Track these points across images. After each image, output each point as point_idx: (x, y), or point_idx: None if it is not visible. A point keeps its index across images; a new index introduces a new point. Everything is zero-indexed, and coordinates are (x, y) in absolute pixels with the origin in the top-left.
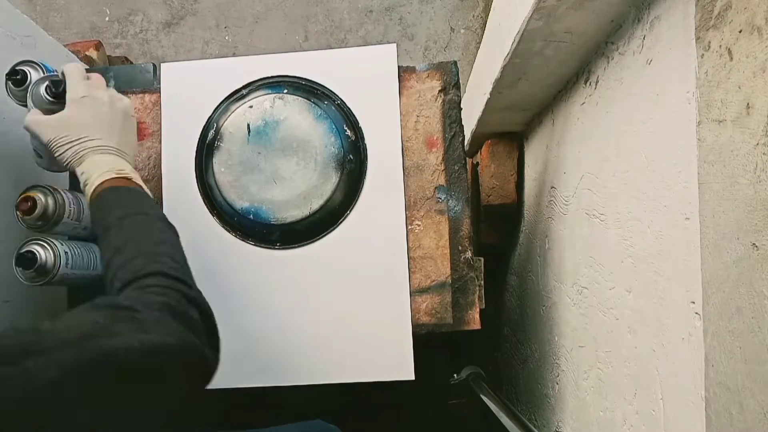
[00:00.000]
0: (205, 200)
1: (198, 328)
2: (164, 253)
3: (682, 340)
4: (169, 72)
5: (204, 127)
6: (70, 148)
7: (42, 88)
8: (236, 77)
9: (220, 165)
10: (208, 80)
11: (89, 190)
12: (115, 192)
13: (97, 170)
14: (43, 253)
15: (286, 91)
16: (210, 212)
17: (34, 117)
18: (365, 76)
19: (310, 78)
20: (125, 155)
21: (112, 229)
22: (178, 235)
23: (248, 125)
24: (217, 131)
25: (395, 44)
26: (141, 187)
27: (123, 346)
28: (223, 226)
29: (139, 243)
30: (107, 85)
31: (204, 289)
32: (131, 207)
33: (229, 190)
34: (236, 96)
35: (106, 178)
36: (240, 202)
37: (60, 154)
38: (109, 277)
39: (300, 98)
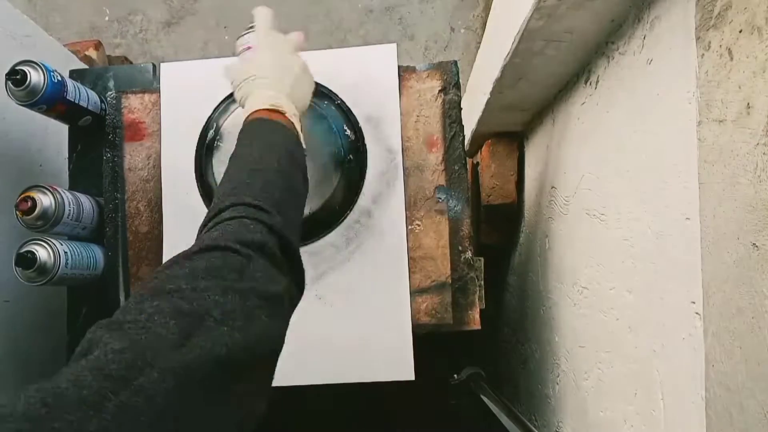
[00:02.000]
0: (205, 200)
1: (274, 257)
2: (253, 182)
3: (682, 340)
4: (168, 72)
5: (204, 126)
6: (244, 86)
7: (244, 37)
8: None
9: (219, 165)
10: (207, 80)
11: (244, 121)
12: (258, 122)
13: (256, 102)
14: (43, 253)
15: None
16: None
17: (228, 63)
18: (365, 76)
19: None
20: (291, 99)
21: (231, 159)
22: (297, 165)
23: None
24: (217, 131)
25: (395, 44)
26: (293, 124)
27: (223, 341)
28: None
29: (236, 173)
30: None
31: None
32: (261, 137)
33: None
34: None
35: (257, 108)
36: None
37: (236, 92)
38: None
39: None
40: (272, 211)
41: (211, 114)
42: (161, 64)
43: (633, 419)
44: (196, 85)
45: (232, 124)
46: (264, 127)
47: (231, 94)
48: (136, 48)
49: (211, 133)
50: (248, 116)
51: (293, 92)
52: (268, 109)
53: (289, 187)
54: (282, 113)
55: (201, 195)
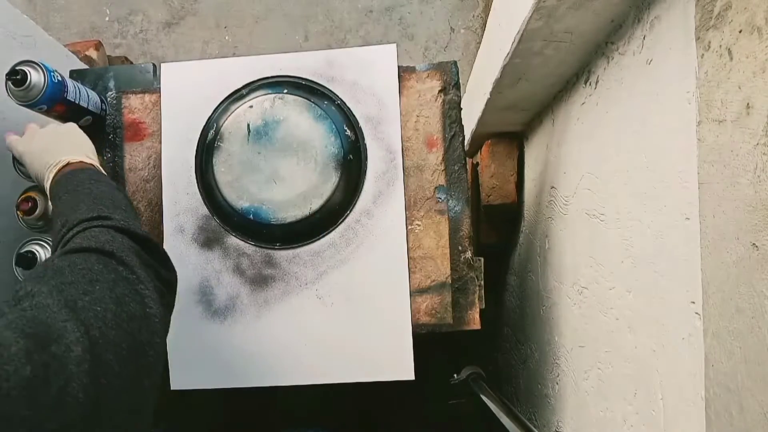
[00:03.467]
0: (206, 201)
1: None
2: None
3: (682, 340)
4: (168, 72)
5: (204, 126)
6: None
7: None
8: (236, 77)
9: (220, 165)
10: (208, 80)
11: (46, 188)
12: (61, 179)
13: (46, 172)
14: (43, 253)
15: (286, 91)
16: (210, 212)
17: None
18: (365, 76)
19: (310, 78)
20: (73, 153)
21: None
22: (113, 186)
23: (248, 125)
24: (217, 131)
25: (395, 44)
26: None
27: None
28: (223, 227)
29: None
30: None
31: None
32: (67, 185)
33: (229, 190)
34: (236, 96)
35: (52, 175)
36: (240, 202)
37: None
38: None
39: (300, 98)
40: (108, 214)
41: (212, 114)
42: (162, 65)
43: (633, 419)
44: (196, 85)
45: (233, 124)
46: (65, 181)
47: (231, 95)
48: (137, 48)
49: (211, 133)
50: (49, 182)
51: (73, 148)
52: (62, 166)
53: (111, 196)
54: (68, 164)
55: (201, 195)
